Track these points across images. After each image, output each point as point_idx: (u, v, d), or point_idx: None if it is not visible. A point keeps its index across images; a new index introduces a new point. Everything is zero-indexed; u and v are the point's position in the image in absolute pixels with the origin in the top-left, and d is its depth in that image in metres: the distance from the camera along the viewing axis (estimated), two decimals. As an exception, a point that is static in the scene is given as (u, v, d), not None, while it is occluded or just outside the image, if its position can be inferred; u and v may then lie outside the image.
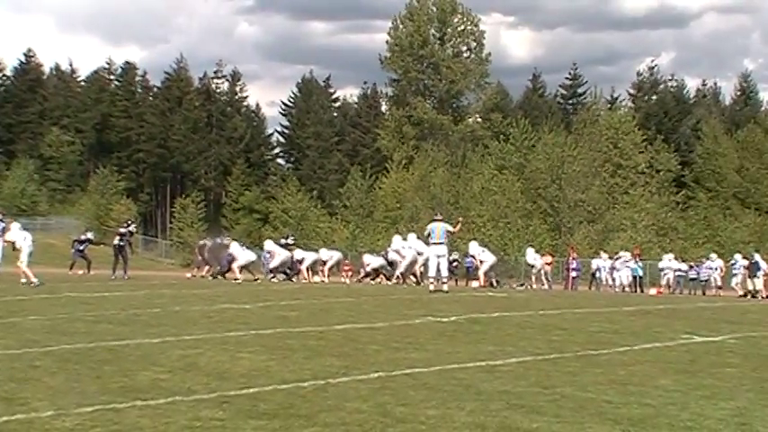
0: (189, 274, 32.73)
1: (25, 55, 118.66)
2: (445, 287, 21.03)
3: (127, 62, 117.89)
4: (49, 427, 5.64)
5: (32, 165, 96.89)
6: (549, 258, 44.40)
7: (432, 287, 21.15)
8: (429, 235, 21.58)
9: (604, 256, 41.51)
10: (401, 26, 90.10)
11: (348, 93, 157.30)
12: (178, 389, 6.97)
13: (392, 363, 8.68)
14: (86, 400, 6.47)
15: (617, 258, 40.15)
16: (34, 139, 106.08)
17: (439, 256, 21.25)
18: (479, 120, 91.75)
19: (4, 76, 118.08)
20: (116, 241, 28.29)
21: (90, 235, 32.41)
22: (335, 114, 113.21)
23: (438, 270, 21.35)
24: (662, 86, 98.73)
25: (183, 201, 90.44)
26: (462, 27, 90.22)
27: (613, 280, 38.74)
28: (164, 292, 18.74)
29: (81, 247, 31.70)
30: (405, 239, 30.42)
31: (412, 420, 6.01)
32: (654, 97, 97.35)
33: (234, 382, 7.34)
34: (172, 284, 22.84)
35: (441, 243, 21.19)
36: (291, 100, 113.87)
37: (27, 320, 12.30)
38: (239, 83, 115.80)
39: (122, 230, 28.92)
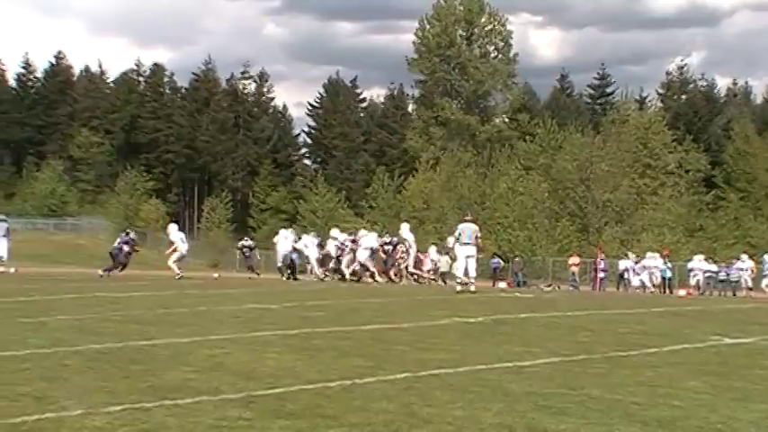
0: (216, 275, 32.90)
1: (56, 57, 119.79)
2: (472, 287, 20.98)
3: (155, 64, 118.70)
4: (78, 425, 5.67)
5: (62, 166, 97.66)
6: (576, 259, 44.27)
7: (459, 288, 21.10)
8: (459, 236, 21.52)
9: (632, 256, 41.30)
10: (428, 27, 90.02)
11: (375, 93, 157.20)
12: (205, 388, 6.98)
13: (419, 363, 8.66)
14: (115, 399, 6.50)
15: (638, 260, 39.98)
16: (64, 141, 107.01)
17: (468, 257, 21.22)
18: (506, 120, 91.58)
19: (34, 78, 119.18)
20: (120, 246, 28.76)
21: (132, 235, 32.12)
22: (362, 115, 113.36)
23: (466, 271, 21.31)
24: (692, 86, 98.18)
25: (212, 201, 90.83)
26: (490, 27, 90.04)
27: (641, 281, 38.54)
28: (191, 293, 18.82)
29: (127, 248, 30.95)
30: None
31: (438, 421, 5.99)
32: (683, 97, 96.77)
33: (260, 382, 7.35)
34: (199, 284, 22.93)
35: (469, 244, 21.20)
36: (318, 100, 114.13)
37: (56, 320, 12.39)
38: (266, 83, 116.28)
39: (126, 238, 29.57)
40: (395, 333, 11.38)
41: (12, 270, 32.49)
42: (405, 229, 30.66)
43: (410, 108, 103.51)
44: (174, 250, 28.88)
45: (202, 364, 8.30)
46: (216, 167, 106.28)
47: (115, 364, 8.25)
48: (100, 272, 28.11)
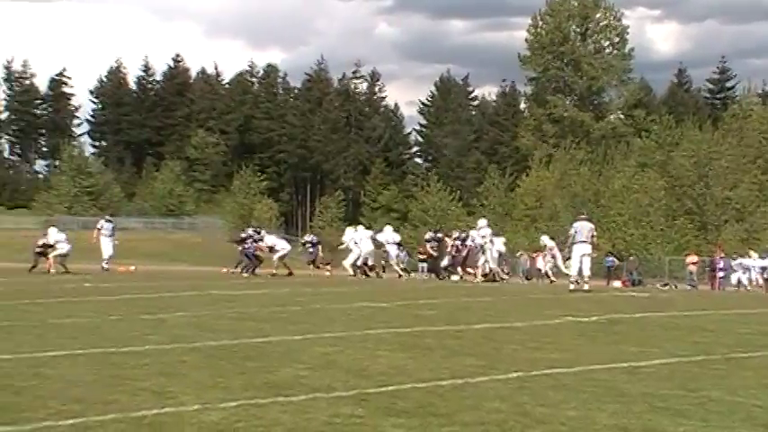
0: (327, 273, 33.08)
1: (173, 60, 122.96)
2: (586, 286, 20.68)
3: (269, 65, 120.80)
4: (195, 420, 5.79)
5: (179, 166, 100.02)
6: (694, 258, 43.25)
7: (572, 286, 20.83)
8: (574, 234, 21.21)
9: (754, 255, 40.10)
10: (541, 23, 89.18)
11: (486, 91, 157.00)
12: (318, 385, 7.05)
13: (531, 363, 8.57)
14: (231, 395, 6.61)
15: (738, 259, 38.91)
16: (181, 141, 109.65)
17: (583, 256, 20.89)
18: (621, 116, 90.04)
19: (154, 80, 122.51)
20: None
21: (250, 231, 32.35)
22: (474, 113, 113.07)
23: (580, 270, 21.01)
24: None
25: (325, 200, 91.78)
26: (605, 22, 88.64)
27: (738, 280, 37.54)
28: (305, 290, 19.03)
29: (248, 246, 30.98)
30: (356, 231, 30.30)
31: (552, 421, 5.92)
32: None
33: (372, 380, 7.38)
34: (312, 282, 23.18)
35: (586, 242, 20.88)
36: (430, 99, 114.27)
37: (174, 317, 12.70)
38: (378, 83, 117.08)
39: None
40: (507, 332, 11.29)
41: (132, 268, 33.49)
42: (482, 224, 30.15)
43: (522, 105, 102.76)
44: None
45: (315, 362, 8.38)
46: (328, 167, 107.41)
47: (231, 360, 8.41)
48: (244, 274, 28.42)
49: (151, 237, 77.64)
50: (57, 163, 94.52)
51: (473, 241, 28.05)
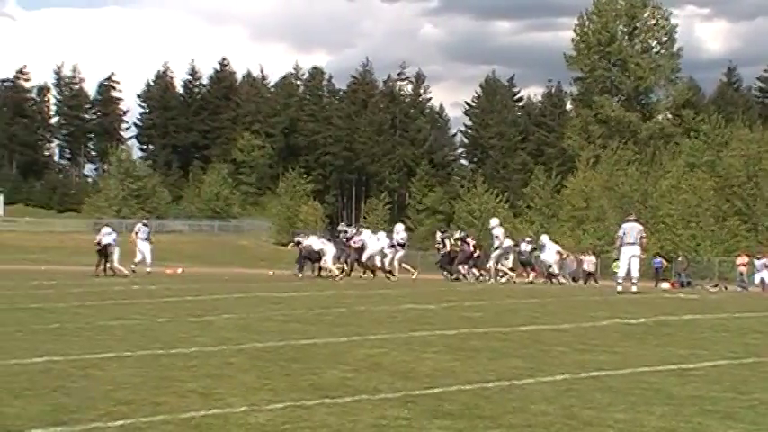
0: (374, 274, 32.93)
1: (220, 63, 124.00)
2: (635, 288, 20.49)
3: (314, 67, 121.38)
4: (242, 422, 5.82)
5: (226, 169, 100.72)
6: (744, 259, 42.73)
7: (620, 288, 20.65)
8: (623, 235, 21.05)
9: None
10: (587, 23, 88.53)
11: (532, 92, 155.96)
12: (364, 387, 7.05)
13: (578, 365, 8.51)
14: (277, 396, 6.64)
15: (762, 259, 38.42)
16: (227, 145, 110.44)
17: (632, 257, 20.74)
18: (669, 116, 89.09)
19: (200, 84, 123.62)
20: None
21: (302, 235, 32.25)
22: (519, 114, 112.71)
23: (628, 271, 20.85)
24: None
25: (372, 202, 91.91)
26: (653, 22, 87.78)
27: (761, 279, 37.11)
28: (349, 293, 19.06)
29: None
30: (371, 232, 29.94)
31: (599, 424, 5.87)
32: None
33: (418, 382, 7.37)
34: (357, 285, 23.21)
35: (635, 244, 20.74)
36: (475, 100, 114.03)
37: (221, 319, 12.79)
38: (423, 84, 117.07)
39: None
40: (553, 334, 11.22)
41: (179, 270, 33.78)
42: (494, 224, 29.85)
43: (568, 106, 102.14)
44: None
45: (361, 364, 8.39)
46: (373, 169, 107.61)
47: (277, 362, 8.44)
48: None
49: (197, 239, 78.36)
50: (105, 167, 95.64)
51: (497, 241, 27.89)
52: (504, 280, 27.77)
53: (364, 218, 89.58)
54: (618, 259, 21.61)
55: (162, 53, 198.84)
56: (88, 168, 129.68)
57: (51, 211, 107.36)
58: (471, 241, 29.62)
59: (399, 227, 30.29)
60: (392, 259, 28.49)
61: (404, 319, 13.17)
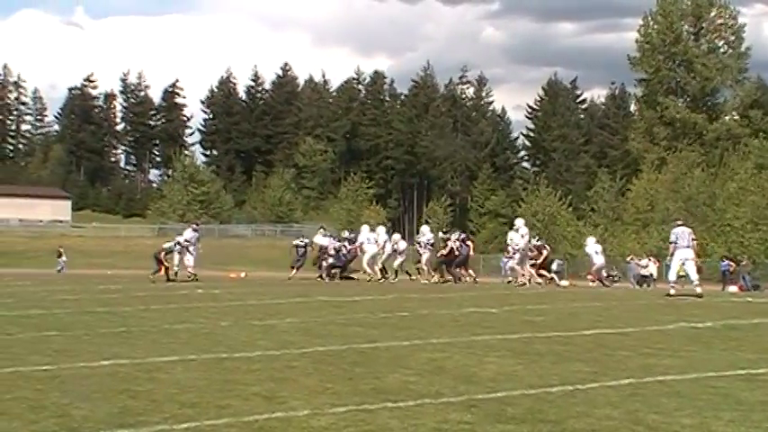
0: (434, 278, 32.60)
1: (282, 69, 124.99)
2: (699, 290, 20.21)
3: (375, 71, 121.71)
4: (305, 425, 5.85)
5: (290, 174, 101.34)
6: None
7: (672, 291, 20.38)
8: (675, 239, 20.87)
9: None
10: (652, 23, 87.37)
11: (595, 94, 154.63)
12: (426, 391, 7.04)
13: (644, 369, 8.40)
14: (339, 400, 6.66)
15: None
16: (290, 149, 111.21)
17: (686, 260, 20.63)
18: (737, 117, 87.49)
19: (263, 89, 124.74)
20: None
21: (347, 234, 32.23)
22: (582, 116, 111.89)
23: (687, 274, 20.70)
24: None
25: (432, 206, 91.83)
26: (720, 21, 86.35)
27: None
28: (412, 296, 19.05)
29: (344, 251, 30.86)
30: (372, 231, 29.34)
31: (665, 429, 5.79)
32: None
33: (481, 386, 7.34)
34: (419, 288, 23.19)
35: (688, 247, 20.63)
36: (537, 102, 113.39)
37: (284, 322, 12.86)
38: (485, 87, 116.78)
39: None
40: (617, 338, 11.09)
41: (242, 274, 34.05)
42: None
43: (632, 108, 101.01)
44: None
45: (423, 368, 8.38)
46: (435, 172, 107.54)
47: (339, 366, 8.47)
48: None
49: (260, 243, 78.84)
50: (169, 172, 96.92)
51: (519, 242, 27.47)
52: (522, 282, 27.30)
53: (426, 221, 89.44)
54: (684, 263, 21.35)
55: (225, 59, 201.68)
56: (153, 174, 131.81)
57: (117, 217, 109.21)
58: (470, 243, 29.36)
59: (425, 228, 30.25)
60: (426, 260, 28.44)
61: (466, 322, 13.13)
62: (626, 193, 78.11)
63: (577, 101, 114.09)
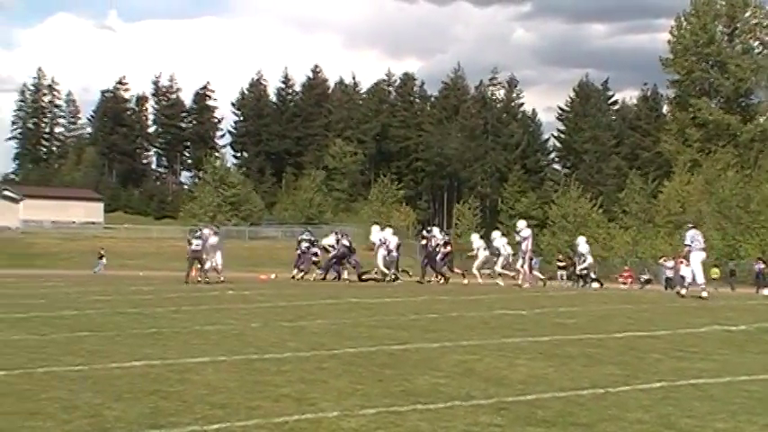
0: (465, 281, 32.50)
1: (312, 71, 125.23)
2: (705, 293, 20.15)
3: (405, 73, 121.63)
4: (335, 427, 5.86)
5: (320, 176, 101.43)
6: None
7: (704, 293, 20.26)
8: (692, 242, 20.88)
9: None
10: (685, 24, 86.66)
11: (627, 95, 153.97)
12: (456, 393, 7.03)
13: (676, 372, 8.34)
14: (369, 402, 6.66)
15: None
16: (320, 151, 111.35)
17: (702, 263, 20.87)
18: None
19: (293, 91, 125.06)
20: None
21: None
22: (614, 117, 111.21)
23: (694, 277, 20.76)
24: None
25: (460, 207, 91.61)
26: (755, 21, 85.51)
27: None
28: (442, 298, 19.02)
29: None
30: (382, 230, 29.29)
31: (698, 433, 5.75)
32: None
33: (511, 389, 7.31)
34: (450, 290, 23.15)
35: (704, 249, 20.92)
36: (568, 104, 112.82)
37: (314, 324, 12.88)
38: (515, 89, 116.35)
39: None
40: (649, 341, 11.01)
41: (273, 276, 34.12)
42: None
43: (665, 109, 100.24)
44: None
45: (453, 370, 8.37)
46: (465, 174, 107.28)
47: (369, 367, 8.47)
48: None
49: (290, 245, 78.90)
50: (200, 174, 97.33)
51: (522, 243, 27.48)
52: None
53: (456, 223, 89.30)
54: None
55: (255, 61, 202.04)
56: (184, 176, 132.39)
57: (149, 218, 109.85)
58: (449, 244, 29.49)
59: (436, 230, 30.25)
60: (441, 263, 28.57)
61: (496, 325, 13.09)
62: (657, 196, 77.57)
63: (609, 102, 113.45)
